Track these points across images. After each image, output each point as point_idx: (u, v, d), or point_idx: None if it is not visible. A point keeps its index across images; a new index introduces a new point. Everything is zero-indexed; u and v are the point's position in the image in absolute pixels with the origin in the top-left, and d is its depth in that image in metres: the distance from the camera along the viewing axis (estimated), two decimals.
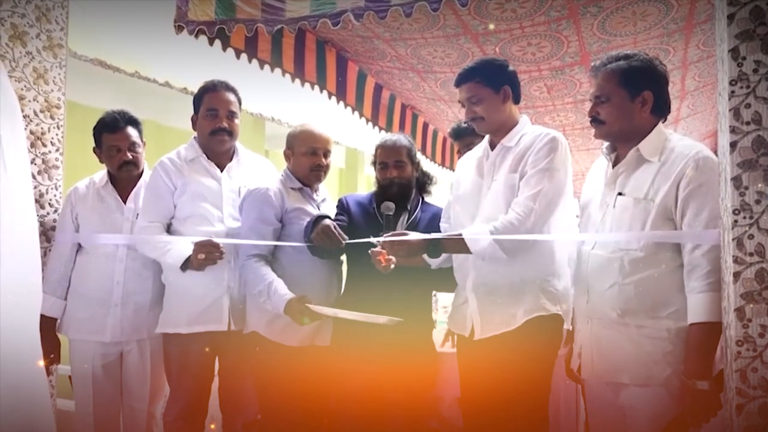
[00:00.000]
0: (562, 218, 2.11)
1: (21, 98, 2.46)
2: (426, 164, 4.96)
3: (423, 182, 2.58)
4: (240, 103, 2.55)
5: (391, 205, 2.33)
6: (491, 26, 2.72)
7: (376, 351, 2.28)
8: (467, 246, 2.03)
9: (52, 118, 2.63)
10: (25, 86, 2.53)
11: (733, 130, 1.57)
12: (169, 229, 2.49)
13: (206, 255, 2.32)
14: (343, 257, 2.54)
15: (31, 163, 2.50)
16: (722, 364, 1.66)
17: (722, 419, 1.64)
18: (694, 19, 2.86)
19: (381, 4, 2.36)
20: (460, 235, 2.05)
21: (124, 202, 2.58)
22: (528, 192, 2.01)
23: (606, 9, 2.75)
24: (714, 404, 1.66)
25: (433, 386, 2.53)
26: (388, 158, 2.45)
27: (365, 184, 9.29)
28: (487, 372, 2.07)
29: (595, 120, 1.92)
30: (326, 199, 2.59)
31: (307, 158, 2.45)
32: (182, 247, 2.38)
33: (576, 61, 3.34)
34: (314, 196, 2.52)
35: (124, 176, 2.59)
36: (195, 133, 2.58)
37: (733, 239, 1.56)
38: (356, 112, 4.03)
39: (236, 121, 2.53)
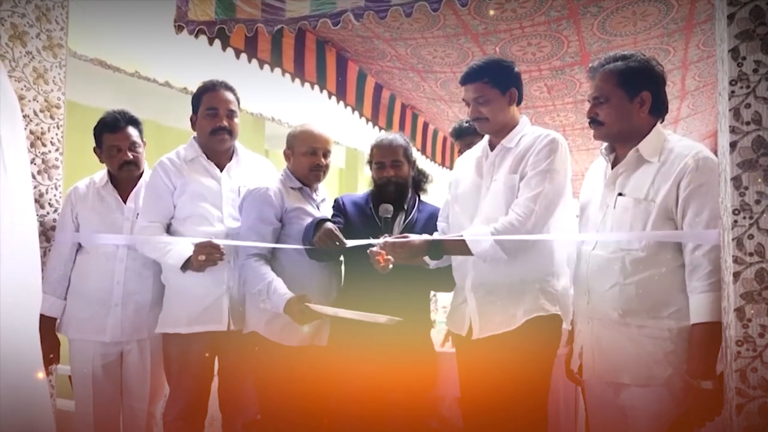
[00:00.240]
0: (562, 219, 2.11)
1: (21, 98, 2.46)
2: (426, 164, 4.97)
3: (419, 181, 2.57)
4: (239, 103, 2.55)
5: (390, 207, 2.33)
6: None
7: (375, 351, 2.28)
8: (468, 248, 2.03)
9: (51, 117, 2.63)
10: (25, 86, 2.53)
11: (733, 130, 1.57)
12: (168, 229, 2.49)
13: (207, 256, 2.32)
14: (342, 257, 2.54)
15: (31, 163, 2.50)
16: (722, 364, 1.66)
17: (722, 419, 1.65)
18: (694, 19, 2.86)
19: (381, 4, 2.36)
20: (462, 236, 2.05)
21: (125, 202, 2.58)
22: (528, 193, 2.02)
23: (606, 9, 2.75)
24: (718, 404, 1.66)
25: (432, 386, 2.53)
26: (384, 158, 2.44)
27: (365, 184, 9.20)
28: (486, 372, 2.07)
29: (594, 121, 1.92)
30: (326, 198, 2.59)
31: (306, 158, 2.45)
32: (183, 247, 2.38)
33: (576, 61, 3.34)
34: (314, 195, 2.52)
35: (124, 176, 2.59)
36: (194, 133, 2.58)
37: (733, 239, 1.57)
38: (356, 112, 4.04)
39: (236, 120, 2.53)
